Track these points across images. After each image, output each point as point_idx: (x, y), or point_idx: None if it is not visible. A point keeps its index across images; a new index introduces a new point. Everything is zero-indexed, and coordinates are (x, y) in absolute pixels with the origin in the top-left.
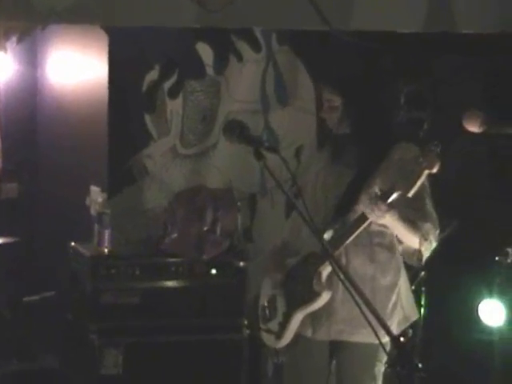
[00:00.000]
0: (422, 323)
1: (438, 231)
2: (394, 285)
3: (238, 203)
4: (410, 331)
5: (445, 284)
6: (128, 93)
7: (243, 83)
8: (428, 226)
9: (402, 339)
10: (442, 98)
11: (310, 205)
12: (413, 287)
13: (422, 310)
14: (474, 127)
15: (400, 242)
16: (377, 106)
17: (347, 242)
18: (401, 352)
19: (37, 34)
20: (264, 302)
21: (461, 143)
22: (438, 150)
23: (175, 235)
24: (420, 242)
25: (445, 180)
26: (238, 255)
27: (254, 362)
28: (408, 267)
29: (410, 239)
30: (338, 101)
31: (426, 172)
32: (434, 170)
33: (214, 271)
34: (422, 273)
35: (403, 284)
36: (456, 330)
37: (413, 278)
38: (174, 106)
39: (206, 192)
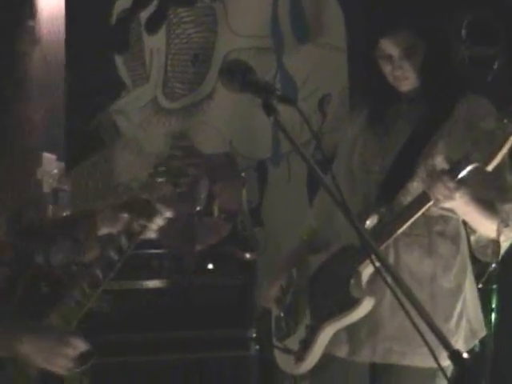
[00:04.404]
0: (494, 334)
1: None
2: (459, 288)
3: (243, 174)
4: (477, 345)
5: None
6: (91, 26)
7: (248, 12)
8: (509, 207)
9: (465, 356)
10: None
11: (344, 180)
12: (480, 285)
13: (494, 315)
14: None
15: (471, 231)
16: (431, 44)
17: (398, 232)
18: (464, 374)
19: None
20: (280, 311)
21: None
22: None
23: None
24: (498, 230)
25: None
26: (242, 244)
27: None
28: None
29: (486, 227)
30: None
31: None
32: None
33: (210, 266)
34: (493, 265)
35: (469, 288)
36: None
37: (480, 272)
38: (155, 44)
39: (199, 158)
